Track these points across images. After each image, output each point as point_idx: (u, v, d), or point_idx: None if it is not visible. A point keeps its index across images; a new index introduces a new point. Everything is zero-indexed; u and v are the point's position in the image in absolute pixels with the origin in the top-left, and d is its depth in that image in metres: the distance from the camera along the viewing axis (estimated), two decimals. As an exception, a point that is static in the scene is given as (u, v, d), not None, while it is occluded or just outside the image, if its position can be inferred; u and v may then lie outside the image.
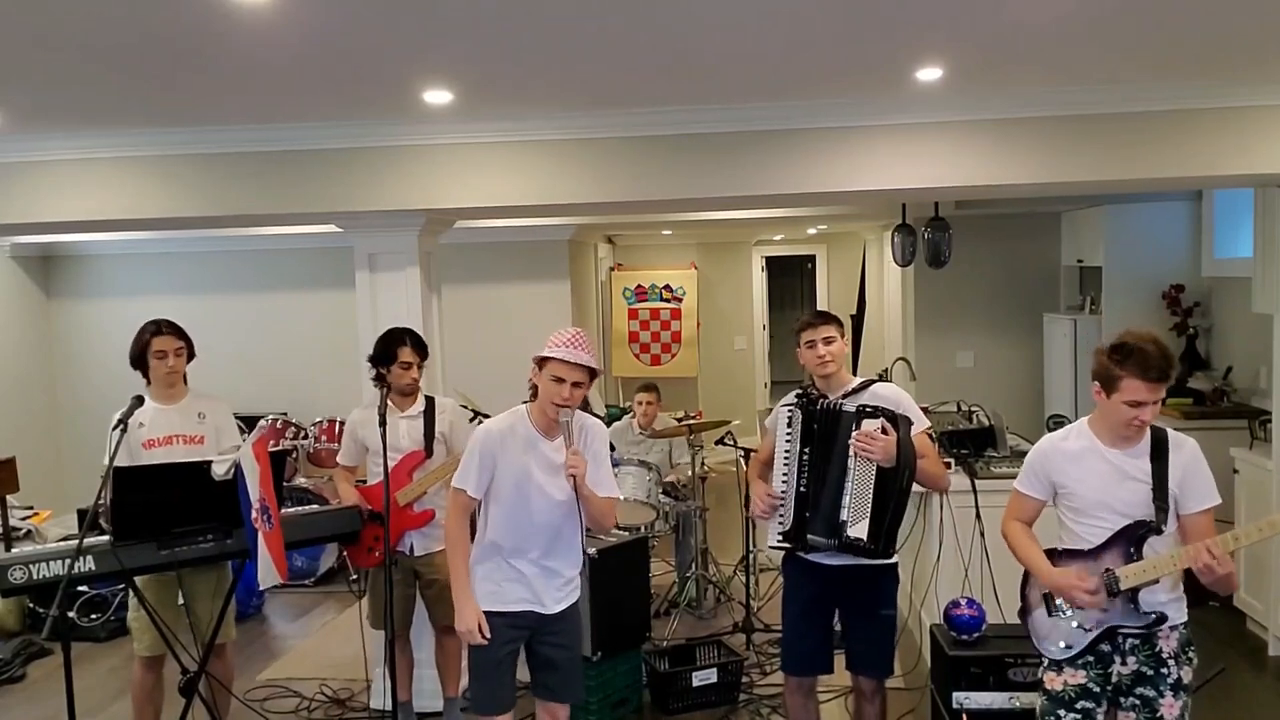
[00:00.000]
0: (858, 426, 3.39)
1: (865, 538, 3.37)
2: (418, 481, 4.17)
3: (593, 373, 3.21)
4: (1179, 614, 2.95)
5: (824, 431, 3.48)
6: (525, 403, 3.36)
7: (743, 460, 5.76)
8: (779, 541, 3.56)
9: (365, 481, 4.37)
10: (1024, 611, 3.13)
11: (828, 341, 3.51)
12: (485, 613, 3.22)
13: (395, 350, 4.19)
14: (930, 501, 4.61)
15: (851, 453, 3.40)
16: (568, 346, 3.17)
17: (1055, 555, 3.02)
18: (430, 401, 4.33)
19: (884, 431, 3.35)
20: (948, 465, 4.81)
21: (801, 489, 3.50)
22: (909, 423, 3.41)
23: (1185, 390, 6.30)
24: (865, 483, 3.39)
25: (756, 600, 5.57)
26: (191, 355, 4.11)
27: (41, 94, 3.70)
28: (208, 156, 4.47)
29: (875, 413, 3.40)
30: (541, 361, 3.20)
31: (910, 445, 3.37)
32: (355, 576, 6.73)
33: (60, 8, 2.69)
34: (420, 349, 4.24)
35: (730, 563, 6.36)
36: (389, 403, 4.17)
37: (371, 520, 4.17)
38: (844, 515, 3.41)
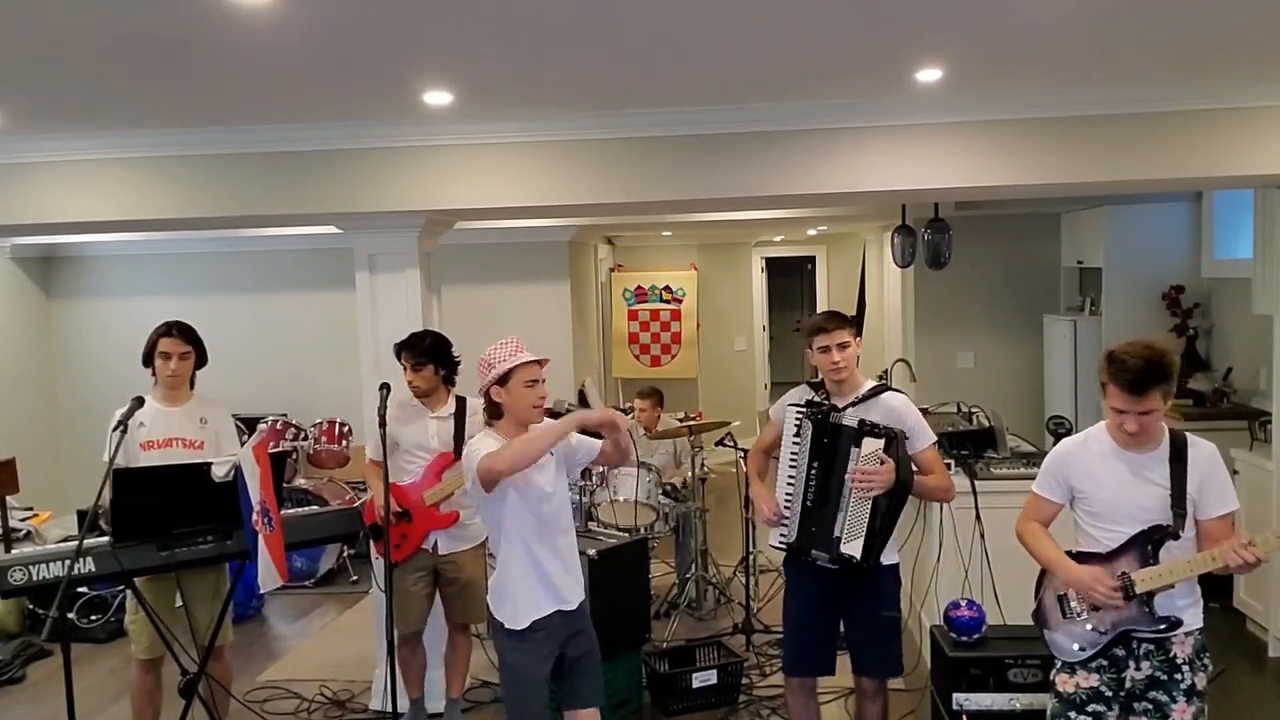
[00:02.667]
0: (858, 444, 3.37)
1: (859, 556, 3.38)
2: (446, 482, 4.16)
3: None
4: (1195, 619, 2.93)
5: (830, 447, 3.46)
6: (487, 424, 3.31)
7: (743, 461, 5.75)
8: (780, 544, 3.57)
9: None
10: (1038, 613, 3.13)
11: (842, 347, 3.47)
12: (528, 625, 3.21)
13: (398, 357, 4.23)
14: (930, 503, 4.60)
15: (850, 474, 3.37)
16: (520, 352, 3.21)
17: (1071, 558, 3.01)
18: (461, 402, 4.30)
19: (883, 460, 3.31)
20: (947, 466, 4.81)
21: (808, 504, 3.49)
22: (905, 438, 3.39)
23: (1185, 391, 6.30)
24: (862, 503, 3.38)
25: (756, 601, 5.57)
26: (202, 361, 4.10)
27: (41, 94, 3.69)
28: (208, 157, 4.46)
29: (876, 431, 3.36)
30: (503, 379, 3.18)
31: (908, 465, 3.36)
32: (355, 578, 6.75)
33: (60, 8, 2.69)
34: (417, 354, 4.20)
35: (730, 564, 6.35)
36: (421, 403, 4.24)
37: (399, 519, 4.16)
38: (838, 532, 3.41)
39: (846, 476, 3.39)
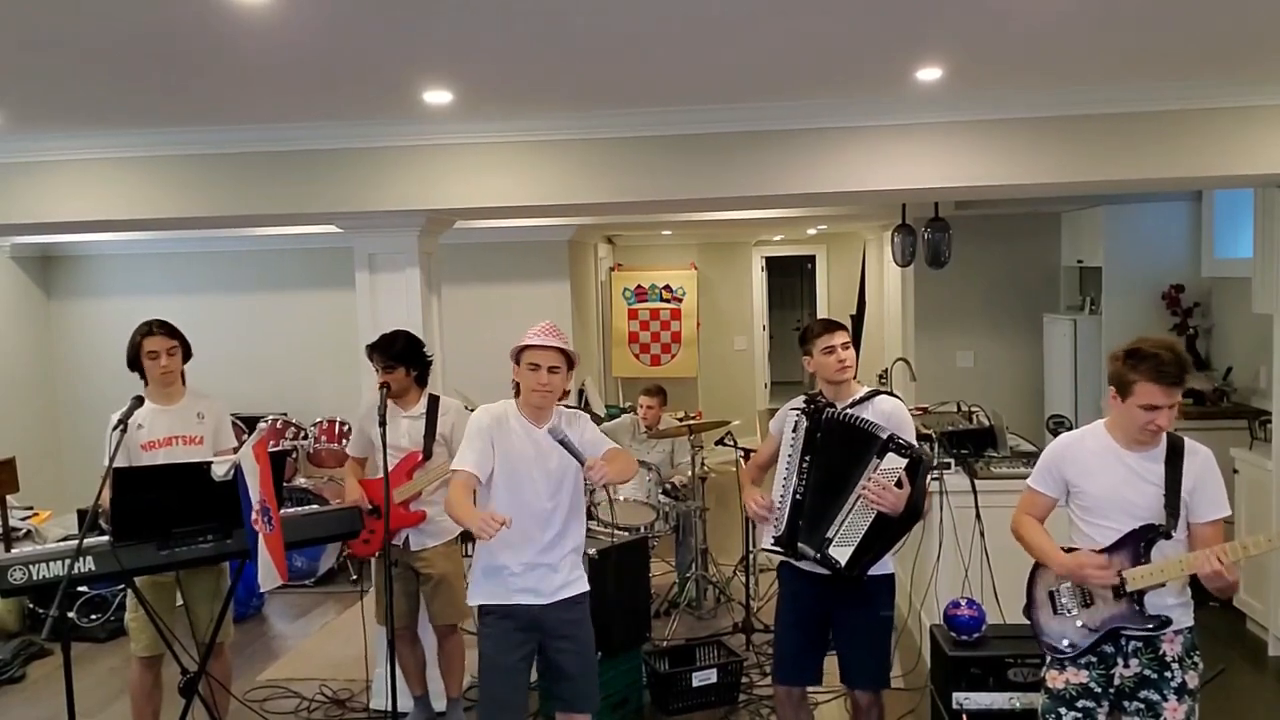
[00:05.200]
0: (881, 456, 3.30)
1: (844, 563, 3.34)
2: (415, 480, 4.21)
3: (568, 358, 3.27)
4: (1185, 618, 2.95)
5: (834, 443, 3.41)
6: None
7: (743, 460, 5.76)
8: (772, 545, 3.55)
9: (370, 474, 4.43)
10: (1029, 608, 3.13)
11: (845, 347, 3.48)
12: (488, 605, 3.27)
13: (369, 358, 4.26)
14: (929, 502, 4.60)
15: (864, 482, 3.32)
16: (538, 335, 3.28)
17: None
18: (434, 401, 4.33)
19: (899, 484, 3.26)
20: (948, 465, 4.82)
21: (798, 496, 3.46)
22: (929, 469, 3.36)
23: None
24: (864, 515, 3.34)
25: (756, 601, 5.57)
26: (188, 355, 4.10)
27: (41, 94, 3.69)
28: (208, 157, 4.46)
29: (904, 450, 3.29)
30: (518, 355, 3.28)
31: (923, 494, 3.33)
32: (355, 577, 6.76)
33: (60, 8, 2.69)
34: (387, 357, 4.20)
35: (730, 563, 6.36)
36: (392, 402, 4.23)
37: (368, 514, 4.23)
38: (831, 533, 3.36)
39: (860, 483, 3.32)
